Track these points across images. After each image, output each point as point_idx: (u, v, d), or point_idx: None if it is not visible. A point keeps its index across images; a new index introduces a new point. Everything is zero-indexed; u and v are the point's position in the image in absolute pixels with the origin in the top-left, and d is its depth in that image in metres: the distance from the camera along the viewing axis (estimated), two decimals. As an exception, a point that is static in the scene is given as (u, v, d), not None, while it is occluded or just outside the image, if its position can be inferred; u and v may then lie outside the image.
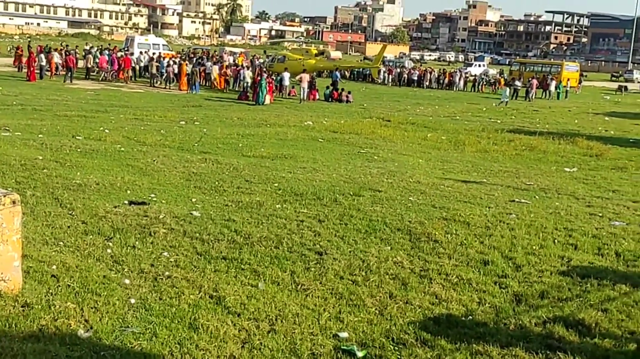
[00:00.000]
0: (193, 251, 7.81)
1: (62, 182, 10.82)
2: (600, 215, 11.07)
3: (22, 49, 39.75)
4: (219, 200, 10.47)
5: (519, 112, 32.42)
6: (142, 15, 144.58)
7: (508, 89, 40.99)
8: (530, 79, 44.39)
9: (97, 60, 37.31)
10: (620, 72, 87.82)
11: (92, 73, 36.74)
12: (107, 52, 39.42)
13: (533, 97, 41.79)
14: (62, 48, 42.50)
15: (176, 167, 12.91)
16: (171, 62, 36.58)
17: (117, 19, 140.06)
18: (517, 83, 44.19)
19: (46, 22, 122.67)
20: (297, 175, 12.96)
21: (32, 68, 32.74)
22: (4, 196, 5.92)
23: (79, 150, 14.08)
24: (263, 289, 6.78)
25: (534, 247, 8.87)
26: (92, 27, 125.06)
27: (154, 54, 41.12)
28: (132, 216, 8.99)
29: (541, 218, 10.49)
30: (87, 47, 44.28)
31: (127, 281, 6.69)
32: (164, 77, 35.41)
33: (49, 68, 34.72)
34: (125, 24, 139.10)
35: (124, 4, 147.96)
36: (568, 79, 49.71)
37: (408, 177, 13.44)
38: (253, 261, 7.60)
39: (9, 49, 53.96)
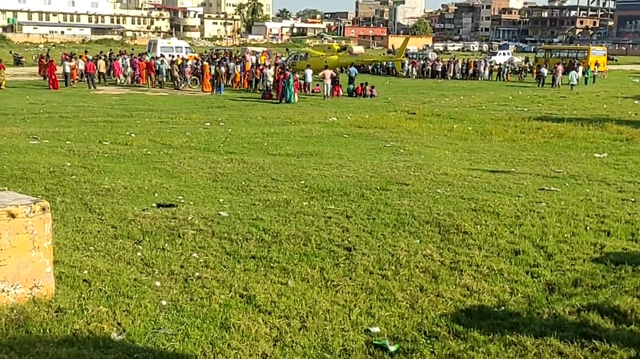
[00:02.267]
0: (222, 252, 7.83)
1: (91, 187, 10.94)
2: (633, 200, 10.89)
3: (45, 58, 40.29)
4: (246, 200, 10.49)
5: (546, 99, 32.03)
6: (163, 19, 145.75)
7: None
8: (555, 65, 43.81)
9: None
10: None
11: (109, 78, 37.14)
12: (122, 57, 39.75)
13: (559, 83, 41.24)
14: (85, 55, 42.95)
15: (202, 168, 12.97)
16: (193, 64, 36.83)
17: (139, 23, 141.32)
18: (543, 70, 43.60)
19: (70, 29, 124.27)
20: (323, 171, 12.93)
21: (53, 77, 33.16)
22: (34, 203, 5.99)
23: (106, 155, 14.22)
24: (293, 286, 6.78)
25: (566, 235, 8.75)
26: (115, 32, 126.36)
27: (177, 56, 41.39)
28: (160, 219, 9.05)
29: (572, 205, 10.34)
30: (99, 53, 44.70)
31: (157, 283, 6.73)
32: (188, 80, 35.64)
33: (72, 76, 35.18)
34: (148, 28, 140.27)
35: (145, 9, 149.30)
36: (596, 64, 48.99)
37: (435, 169, 13.35)
38: (282, 259, 7.60)
39: (34, 57, 54.77)
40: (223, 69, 34.55)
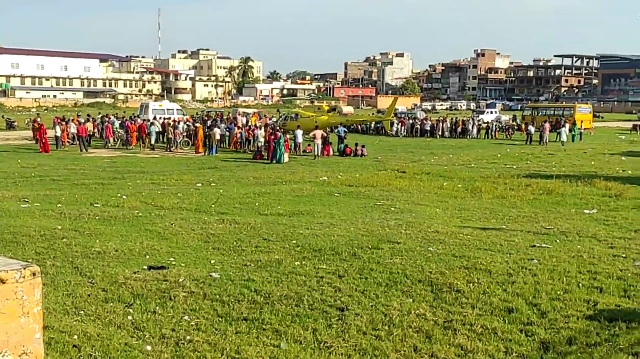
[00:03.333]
0: (214, 314, 7.76)
1: (82, 251, 10.88)
2: (624, 256, 10.92)
3: (37, 122, 40.57)
4: (237, 260, 10.46)
5: (534, 157, 32.35)
6: (155, 82, 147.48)
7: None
8: (542, 123, 44.42)
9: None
10: (634, 111, 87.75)
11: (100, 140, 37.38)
12: (109, 119, 40.17)
13: (547, 140, 41.75)
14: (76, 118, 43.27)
15: (194, 229, 12.95)
16: (184, 126, 37.19)
17: (131, 86, 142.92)
18: (530, 128, 44.17)
19: (62, 93, 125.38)
20: (314, 231, 12.94)
21: (44, 140, 33.33)
22: (25, 268, 5.93)
23: (97, 217, 14.19)
24: (285, 349, 6.71)
25: (559, 292, 8.74)
26: (107, 95, 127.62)
27: (168, 118, 41.76)
28: (151, 282, 8.99)
29: (564, 262, 10.35)
30: (87, 116, 45.14)
31: (148, 347, 6.65)
32: (180, 141, 35.92)
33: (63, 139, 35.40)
34: (140, 91, 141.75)
35: (137, 72, 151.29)
36: (582, 121, 49.72)
37: (426, 227, 13.37)
38: (274, 321, 7.53)
39: (26, 122, 55.11)
40: (218, 130, 34.83)
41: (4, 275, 5.81)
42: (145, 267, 9.89)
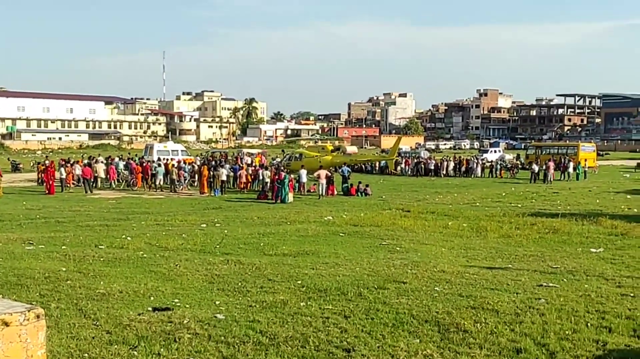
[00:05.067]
0: (219, 356, 7.68)
1: (86, 292, 10.82)
2: (632, 295, 10.82)
3: (42, 165, 40.82)
4: (242, 301, 10.38)
5: (539, 195, 32.31)
6: (160, 124, 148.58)
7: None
8: (546, 162, 44.50)
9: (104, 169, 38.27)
10: (638, 149, 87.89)
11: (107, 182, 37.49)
12: (113, 161, 40.45)
13: (551, 179, 41.75)
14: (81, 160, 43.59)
15: (199, 270, 12.90)
16: (189, 167, 37.41)
17: (136, 128, 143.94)
18: (535, 166, 44.23)
19: (67, 135, 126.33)
20: (320, 271, 12.87)
21: (51, 182, 33.50)
22: (29, 311, 5.91)
23: (101, 259, 14.15)
24: (291, 391, 6.61)
25: (567, 332, 8.63)
26: (112, 137, 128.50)
27: (172, 159, 41.97)
28: (156, 323, 8.92)
29: (571, 301, 10.26)
30: (89, 157, 45.44)
31: (152, 390, 6.56)
32: (186, 181, 36.06)
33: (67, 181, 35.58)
34: (145, 132, 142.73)
35: (142, 114, 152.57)
36: (586, 159, 49.82)
37: (432, 267, 13.30)
38: (280, 363, 7.44)
39: (31, 164, 55.46)
40: (224, 171, 34.93)
41: (8, 317, 5.78)
42: (150, 308, 9.82)
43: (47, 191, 33.18)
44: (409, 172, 50.28)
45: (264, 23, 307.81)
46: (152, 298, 10.58)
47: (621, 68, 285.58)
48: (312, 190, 33.79)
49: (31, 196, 32.19)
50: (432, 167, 49.76)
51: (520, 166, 52.29)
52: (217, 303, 10.29)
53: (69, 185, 35.72)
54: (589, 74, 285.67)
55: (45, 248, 15.74)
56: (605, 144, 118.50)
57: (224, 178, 34.51)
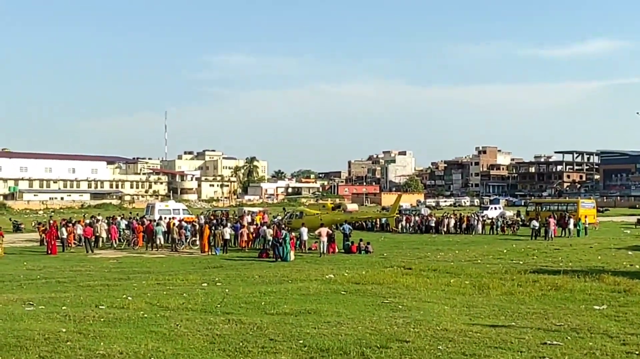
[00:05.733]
0: (220, 417, 7.58)
1: (86, 354, 10.74)
2: (637, 353, 10.74)
3: (42, 225, 40.88)
4: (244, 362, 10.28)
5: (541, 252, 32.23)
6: (161, 183, 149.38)
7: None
8: (547, 218, 44.52)
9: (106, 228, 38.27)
10: (638, 206, 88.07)
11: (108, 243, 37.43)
12: (115, 221, 40.59)
13: (552, 236, 41.72)
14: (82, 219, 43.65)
15: (199, 330, 12.81)
16: (190, 226, 37.45)
17: (137, 187, 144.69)
18: (535, 223, 44.23)
19: (69, 195, 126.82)
20: (321, 330, 12.78)
21: (53, 242, 33.48)
22: (30, 370, 5.90)
23: (102, 319, 14.06)
24: None
25: (573, 391, 8.54)
26: (114, 197, 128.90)
27: (174, 218, 42.02)
28: (157, 384, 8.82)
29: (576, 359, 10.16)
30: (91, 217, 45.57)
31: None
32: (188, 240, 36.02)
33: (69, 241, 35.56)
34: (146, 191, 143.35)
35: (144, 173, 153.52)
36: (586, 216, 49.85)
37: (435, 325, 13.20)
38: None
39: (33, 224, 55.54)
40: (227, 230, 34.93)
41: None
42: (151, 370, 9.72)
43: (48, 251, 33.08)
44: (410, 229, 50.26)
45: (262, 84, 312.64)
46: (152, 359, 10.48)
47: (617, 126, 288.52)
48: (313, 248, 33.73)
49: (32, 256, 32.14)
50: (433, 224, 49.76)
51: (521, 223, 52.29)
52: (219, 363, 10.19)
53: (70, 244, 35.70)
54: (586, 132, 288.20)
55: (45, 308, 15.65)
56: (605, 200, 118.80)
57: (227, 236, 34.49)
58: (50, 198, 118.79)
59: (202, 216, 50.38)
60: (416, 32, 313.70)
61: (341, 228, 37.27)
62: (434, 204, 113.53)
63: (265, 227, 35.33)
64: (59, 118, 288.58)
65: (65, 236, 35.37)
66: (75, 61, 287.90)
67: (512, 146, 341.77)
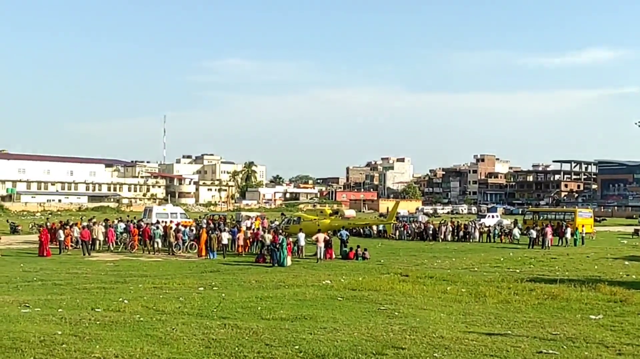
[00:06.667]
0: (215, 422, 7.58)
1: (81, 356, 10.73)
2: (632, 362, 10.73)
3: (44, 226, 40.80)
4: (239, 367, 10.27)
5: (537, 261, 32.24)
6: (159, 186, 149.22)
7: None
8: (544, 227, 44.56)
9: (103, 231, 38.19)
10: (635, 216, 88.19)
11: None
12: (112, 224, 40.55)
13: (549, 244, 41.72)
14: (80, 222, 43.62)
15: (195, 334, 12.80)
16: (187, 230, 37.41)
17: (135, 191, 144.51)
18: (532, 232, 44.25)
19: (67, 197, 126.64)
20: (317, 335, 12.78)
21: (44, 244, 33.40)
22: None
23: (97, 322, 14.05)
24: None
25: (567, 400, 8.54)
26: (112, 200, 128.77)
27: (171, 222, 42.00)
28: (152, 388, 8.82)
29: (571, 368, 10.17)
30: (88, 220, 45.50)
31: None
32: (185, 244, 35.99)
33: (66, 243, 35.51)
34: (144, 195, 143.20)
35: (142, 177, 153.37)
36: (583, 225, 49.89)
37: (431, 332, 13.21)
38: None
39: (30, 226, 55.51)
40: (226, 234, 34.89)
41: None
42: (146, 373, 9.72)
43: (43, 254, 32.91)
44: (407, 236, 50.29)
45: (261, 88, 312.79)
46: (148, 363, 10.47)
47: (615, 136, 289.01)
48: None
49: (29, 258, 32.08)
50: (430, 232, 49.77)
51: (519, 232, 52.26)
52: (214, 368, 10.19)
53: (67, 247, 35.65)
54: (584, 141, 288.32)
55: (41, 311, 15.64)
56: (602, 210, 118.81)
57: (225, 241, 34.45)
58: (48, 200, 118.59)
59: (204, 220, 50.36)
60: (415, 39, 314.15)
61: (338, 234, 37.29)
62: (431, 211, 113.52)
63: (262, 232, 35.31)
64: (57, 120, 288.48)
65: (62, 239, 35.32)
66: (75, 64, 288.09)
67: (510, 154, 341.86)
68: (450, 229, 49.83)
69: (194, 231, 37.77)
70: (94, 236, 36.72)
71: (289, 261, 29.77)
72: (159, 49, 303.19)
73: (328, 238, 33.93)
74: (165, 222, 41.46)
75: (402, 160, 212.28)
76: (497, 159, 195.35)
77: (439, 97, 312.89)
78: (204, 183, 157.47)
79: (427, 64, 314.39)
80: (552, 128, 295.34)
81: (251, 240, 36.20)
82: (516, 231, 48.19)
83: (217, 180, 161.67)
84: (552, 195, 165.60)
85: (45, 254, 32.97)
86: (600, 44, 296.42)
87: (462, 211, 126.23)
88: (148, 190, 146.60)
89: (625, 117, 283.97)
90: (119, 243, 37.95)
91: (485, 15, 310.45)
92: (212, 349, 11.58)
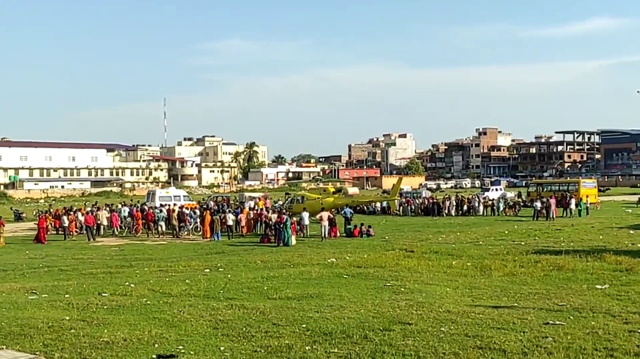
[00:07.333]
0: (224, 402, 7.61)
1: (90, 341, 10.76)
2: (640, 331, 10.74)
3: (48, 213, 40.87)
4: (247, 347, 10.32)
5: (542, 232, 32.21)
6: (162, 170, 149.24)
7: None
8: (548, 199, 44.45)
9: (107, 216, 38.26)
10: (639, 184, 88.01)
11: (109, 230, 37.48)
12: (116, 208, 40.66)
13: (554, 216, 41.67)
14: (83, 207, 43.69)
15: (203, 315, 12.84)
16: (191, 212, 37.45)
17: (138, 175, 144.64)
18: (537, 204, 44.16)
19: (70, 184, 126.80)
20: (324, 313, 12.80)
21: (41, 231, 33.45)
22: (33, 359, 5.91)
23: (105, 307, 14.10)
24: None
25: (576, 370, 8.55)
26: (114, 184, 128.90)
27: (175, 205, 42.02)
28: (161, 371, 8.84)
29: (579, 339, 10.19)
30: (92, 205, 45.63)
31: None
32: (191, 226, 36.03)
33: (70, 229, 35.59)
34: (147, 178, 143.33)
35: (144, 161, 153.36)
36: (587, 196, 49.82)
37: (437, 307, 13.23)
38: (286, 408, 7.37)
39: (34, 213, 55.61)
40: (231, 216, 34.89)
41: (14, 367, 5.77)
42: (154, 356, 9.76)
43: (42, 241, 32.88)
44: (411, 212, 50.27)
45: (262, 69, 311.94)
46: (156, 346, 10.52)
47: (618, 105, 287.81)
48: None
49: (34, 245, 32.17)
50: (434, 207, 49.73)
51: (522, 203, 52.22)
52: (222, 348, 10.23)
53: (72, 233, 35.73)
54: (586, 111, 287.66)
55: (48, 297, 15.69)
56: (606, 180, 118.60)
57: (230, 222, 34.46)
58: (50, 187, 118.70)
59: (210, 202, 50.32)
60: (415, 15, 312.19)
61: (342, 212, 37.27)
62: (435, 186, 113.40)
63: (267, 212, 35.32)
64: (58, 106, 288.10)
65: (67, 225, 35.38)
66: (74, 50, 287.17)
67: (512, 127, 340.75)
68: (454, 203, 49.76)
69: (198, 213, 37.80)
70: (98, 222, 36.77)
71: (293, 240, 29.79)
72: (158, 32, 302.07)
73: (332, 216, 33.92)
74: (169, 205, 41.46)
75: (404, 136, 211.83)
76: (500, 132, 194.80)
77: (440, 71, 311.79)
78: (206, 165, 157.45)
79: (427, 39, 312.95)
80: (555, 100, 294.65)
81: (254, 220, 36.20)
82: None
83: (219, 161, 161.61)
84: (556, 166, 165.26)
85: (42, 241, 32.88)
86: (603, 12, 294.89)
87: (466, 185, 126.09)
88: (150, 173, 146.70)
89: (627, 86, 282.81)
90: (123, 228, 38.02)
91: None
92: (219, 330, 11.61)
